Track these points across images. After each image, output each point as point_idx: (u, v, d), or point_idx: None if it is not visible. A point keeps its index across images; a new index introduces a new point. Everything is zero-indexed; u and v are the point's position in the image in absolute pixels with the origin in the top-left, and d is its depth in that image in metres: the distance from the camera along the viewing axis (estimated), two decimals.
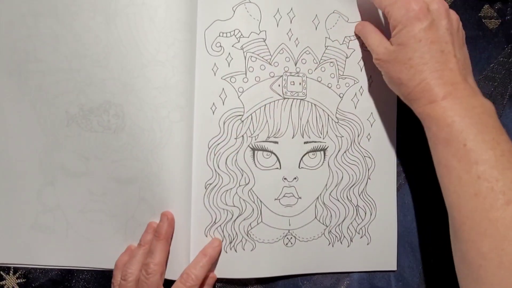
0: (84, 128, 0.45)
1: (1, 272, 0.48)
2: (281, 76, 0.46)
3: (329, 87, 0.47)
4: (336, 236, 0.48)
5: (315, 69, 0.46)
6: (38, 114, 0.45)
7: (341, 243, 0.48)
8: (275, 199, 0.46)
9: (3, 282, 0.47)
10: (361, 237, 0.48)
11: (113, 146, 0.45)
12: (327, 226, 0.48)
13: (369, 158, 0.48)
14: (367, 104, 0.48)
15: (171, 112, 0.45)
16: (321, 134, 0.47)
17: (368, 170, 0.48)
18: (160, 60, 0.44)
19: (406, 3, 0.38)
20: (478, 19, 0.50)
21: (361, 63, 0.47)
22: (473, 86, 0.39)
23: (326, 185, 0.47)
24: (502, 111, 0.50)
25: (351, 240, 0.48)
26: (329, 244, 0.48)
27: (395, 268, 0.49)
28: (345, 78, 0.47)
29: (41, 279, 0.48)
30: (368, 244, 0.49)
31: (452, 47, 0.38)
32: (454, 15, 0.40)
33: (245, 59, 0.45)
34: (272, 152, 0.46)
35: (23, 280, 0.48)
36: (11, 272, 0.48)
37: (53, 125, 0.45)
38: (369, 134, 0.48)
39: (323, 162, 0.47)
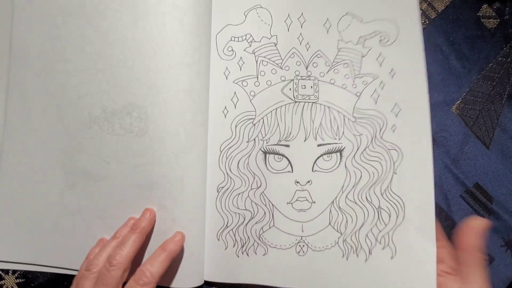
0: (106, 130, 0.44)
1: (0, 272, 0.48)
2: (292, 80, 0.45)
3: (344, 88, 0.45)
4: (351, 246, 0.45)
5: (328, 71, 0.45)
6: (63, 115, 0.45)
7: (357, 255, 0.44)
8: (287, 203, 0.46)
9: (2, 282, 0.47)
10: (383, 248, 0.44)
11: (135, 150, 0.44)
12: (341, 234, 0.45)
13: (395, 150, 0.45)
14: (390, 96, 0.45)
15: (195, 115, 0.44)
16: (336, 135, 0.45)
17: (394, 163, 0.45)
18: (187, 63, 0.43)
19: None
20: (476, 19, 0.50)
21: (381, 58, 0.45)
22: None
23: (343, 187, 0.45)
24: (501, 111, 0.50)
25: (370, 253, 0.44)
26: (343, 256, 0.45)
27: None
28: (362, 76, 0.45)
29: (40, 278, 0.48)
30: (392, 258, 0.44)
31: None
32: None
33: (256, 63, 0.45)
34: (283, 156, 0.45)
35: (22, 280, 0.48)
36: (10, 272, 0.48)
37: (76, 126, 0.45)
38: (393, 125, 0.45)
39: (339, 163, 0.45)
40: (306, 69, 0.45)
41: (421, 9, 0.50)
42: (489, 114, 0.50)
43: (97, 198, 0.45)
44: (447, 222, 0.49)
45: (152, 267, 0.40)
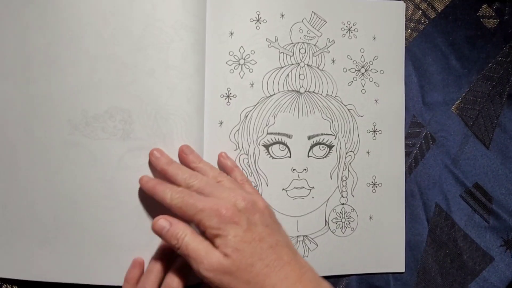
0: (87, 135, 0.42)
1: None
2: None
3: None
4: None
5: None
6: (40, 124, 0.42)
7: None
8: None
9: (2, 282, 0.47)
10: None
11: (118, 153, 0.43)
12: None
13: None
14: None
15: (179, 118, 0.43)
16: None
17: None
18: (170, 65, 0.43)
19: (215, 210, 0.35)
20: (476, 19, 0.50)
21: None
22: (304, 262, 0.38)
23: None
24: (501, 111, 0.50)
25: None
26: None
27: (403, 270, 0.49)
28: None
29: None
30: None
31: (274, 236, 0.37)
32: (261, 203, 0.38)
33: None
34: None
35: None
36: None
37: (55, 135, 0.42)
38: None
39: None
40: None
41: (421, 9, 0.50)
42: (489, 114, 0.50)
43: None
44: (446, 222, 0.49)
45: (173, 281, 0.39)
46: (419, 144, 0.50)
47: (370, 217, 0.48)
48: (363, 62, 0.48)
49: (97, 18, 0.42)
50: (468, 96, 0.50)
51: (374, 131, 0.48)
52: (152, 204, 0.44)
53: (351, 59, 0.47)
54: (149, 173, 0.44)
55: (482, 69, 0.50)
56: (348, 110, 0.47)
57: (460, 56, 0.50)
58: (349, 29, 0.47)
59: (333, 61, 0.47)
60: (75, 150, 0.42)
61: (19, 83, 0.43)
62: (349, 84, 0.47)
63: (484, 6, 0.50)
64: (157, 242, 0.44)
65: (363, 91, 0.48)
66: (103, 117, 0.42)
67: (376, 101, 0.48)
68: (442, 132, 0.50)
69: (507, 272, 0.49)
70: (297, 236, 0.47)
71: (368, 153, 0.48)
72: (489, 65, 0.50)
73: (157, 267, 0.40)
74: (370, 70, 0.48)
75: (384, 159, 0.48)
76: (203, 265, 0.35)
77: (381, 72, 0.48)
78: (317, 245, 0.47)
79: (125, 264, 0.44)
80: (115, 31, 0.42)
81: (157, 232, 0.37)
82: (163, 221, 0.37)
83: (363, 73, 0.48)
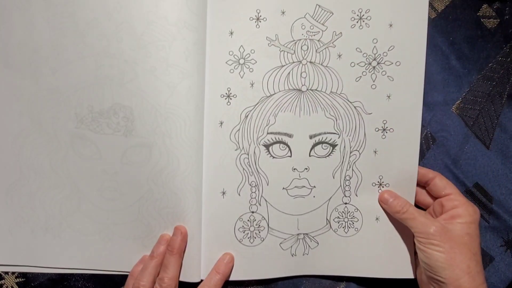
0: (93, 130, 0.44)
1: (0, 272, 0.48)
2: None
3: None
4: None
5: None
6: (48, 116, 0.45)
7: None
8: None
9: (2, 282, 0.47)
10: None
11: (121, 149, 0.45)
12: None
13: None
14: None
15: (178, 117, 0.44)
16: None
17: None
18: (171, 64, 0.43)
19: (471, 205, 0.43)
20: (476, 19, 0.50)
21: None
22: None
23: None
24: (501, 111, 0.50)
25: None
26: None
27: (412, 276, 0.47)
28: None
29: (40, 278, 0.48)
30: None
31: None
32: None
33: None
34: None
35: (22, 280, 0.48)
36: (10, 271, 0.48)
37: (62, 127, 0.45)
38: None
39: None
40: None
41: None
42: (489, 114, 0.50)
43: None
44: None
45: (167, 273, 0.43)
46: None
47: (377, 218, 0.47)
48: (375, 54, 0.45)
49: (101, 13, 0.43)
50: (468, 96, 0.50)
51: (384, 129, 0.46)
52: (152, 199, 0.45)
53: (361, 51, 0.45)
54: (148, 169, 0.45)
55: (482, 69, 0.50)
56: (355, 107, 0.45)
57: (460, 56, 0.50)
58: (360, 18, 0.44)
59: (339, 55, 0.44)
60: (81, 143, 0.45)
61: (26, 75, 0.44)
62: (357, 80, 0.45)
63: (484, 6, 0.51)
64: (156, 233, 0.45)
65: (373, 86, 0.45)
66: (108, 113, 0.44)
67: (389, 96, 0.45)
68: (443, 132, 0.50)
69: (507, 272, 0.49)
70: (297, 234, 0.47)
71: (375, 152, 0.46)
72: (489, 65, 0.50)
73: (152, 264, 0.44)
74: (384, 63, 0.45)
75: (395, 159, 0.46)
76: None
77: (397, 63, 0.45)
78: (318, 243, 0.47)
79: (126, 252, 0.47)
80: (119, 28, 0.43)
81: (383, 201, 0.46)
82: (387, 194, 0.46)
83: (374, 67, 0.45)
